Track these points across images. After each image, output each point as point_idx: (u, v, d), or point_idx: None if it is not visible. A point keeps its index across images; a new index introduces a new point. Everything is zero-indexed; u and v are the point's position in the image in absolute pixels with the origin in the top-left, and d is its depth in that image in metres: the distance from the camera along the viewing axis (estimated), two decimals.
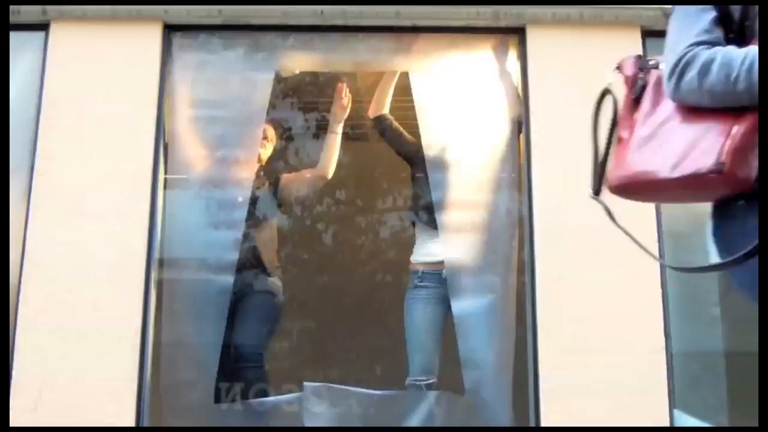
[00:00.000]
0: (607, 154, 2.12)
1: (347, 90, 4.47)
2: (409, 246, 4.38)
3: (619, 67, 2.15)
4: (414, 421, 3.91)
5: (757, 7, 1.97)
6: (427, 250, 4.20)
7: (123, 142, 3.92)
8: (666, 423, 3.70)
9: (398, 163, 4.55)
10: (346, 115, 4.48)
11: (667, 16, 2.32)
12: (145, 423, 3.71)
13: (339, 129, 4.51)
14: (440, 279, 4.13)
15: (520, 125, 4.12)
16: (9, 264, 3.73)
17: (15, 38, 4.08)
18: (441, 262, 4.13)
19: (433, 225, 4.18)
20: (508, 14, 4.12)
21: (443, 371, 4.08)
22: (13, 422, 3.58)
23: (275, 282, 4.41)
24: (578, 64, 4.09)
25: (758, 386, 3.22)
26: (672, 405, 3.74)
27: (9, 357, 3.63)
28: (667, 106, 1.98)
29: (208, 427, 3.56)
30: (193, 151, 4.19)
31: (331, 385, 3.98)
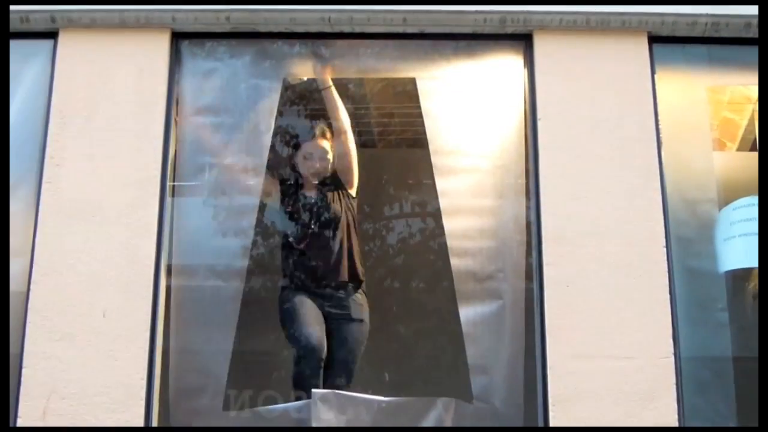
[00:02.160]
0: None
1: None
2: (417, 252, 4.38)
3: None
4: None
5: None
6: None
7: (131, 149, 3.94)
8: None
9: (405, 169, 4.54)
10: None
11: None
12: None
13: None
14: None
15: (528, 131, 4.12)
16: (9, 264, 3.75)
17: (23, 46, 4.12)
18: None
19: None
20: (514, 20, 4.12)
21: (452, 378, 4.08)
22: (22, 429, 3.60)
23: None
24: (585, 70, 4.10)
25: (758, 389, 3.22)
26: (681, 410, 3.73)
27: (8, 359, 3.63)
28: None
29: (215, 427, 3.56)
30: (200, 158, 4.20)
31: (339, 392, 3.99)
